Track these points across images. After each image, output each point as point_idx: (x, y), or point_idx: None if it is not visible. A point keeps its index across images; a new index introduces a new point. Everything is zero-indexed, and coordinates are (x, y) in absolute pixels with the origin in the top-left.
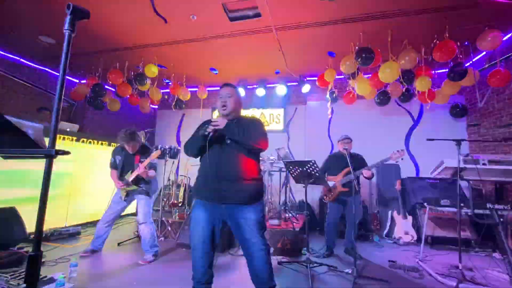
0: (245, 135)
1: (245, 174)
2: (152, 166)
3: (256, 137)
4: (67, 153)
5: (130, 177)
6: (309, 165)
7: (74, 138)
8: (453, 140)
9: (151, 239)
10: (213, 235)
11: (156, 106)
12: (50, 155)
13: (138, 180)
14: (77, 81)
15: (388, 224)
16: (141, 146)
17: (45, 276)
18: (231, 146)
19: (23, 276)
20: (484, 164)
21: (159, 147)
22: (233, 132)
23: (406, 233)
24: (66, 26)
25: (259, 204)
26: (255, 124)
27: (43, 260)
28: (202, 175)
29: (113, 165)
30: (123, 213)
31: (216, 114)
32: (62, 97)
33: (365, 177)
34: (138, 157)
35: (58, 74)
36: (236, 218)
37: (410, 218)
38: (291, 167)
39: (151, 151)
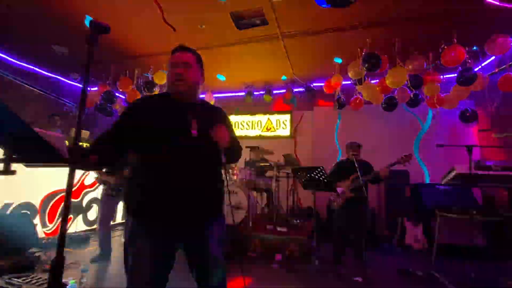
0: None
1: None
2: None
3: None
4: None
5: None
6: (317, 171)
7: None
8: (464, 146)
9: None
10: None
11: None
12: (73, 163)
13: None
14: (88, 88)
15: (398, 231)
16: None
17: None
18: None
19: (36, 280)
20: (497, 170)
21: None
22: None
23: (417, 241)
24: (88, 40)
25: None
26: (227, 119)
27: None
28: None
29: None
30: None
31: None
32: (84, 109)
33: (382, 177)
34: None
35: (70, 82)
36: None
37: (420, 225)
38: (299, 173)
39: None
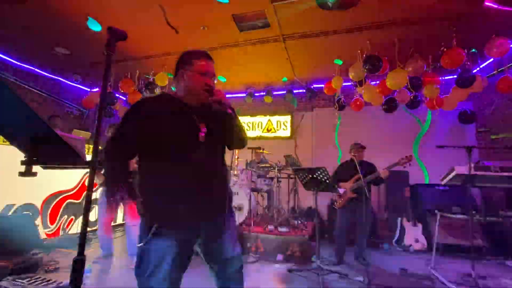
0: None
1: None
2: None
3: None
4: None
5: None
6: (319, 172)
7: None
8: (463, 147)
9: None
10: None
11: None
12: (94, 165)
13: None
14: (89, 89)
15: (398, 231)
16: None
17: (61, 282)
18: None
19: (40, 281)
20: (496, 171)
21: None
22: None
23: (417, 241)
24: (106, 48)
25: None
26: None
27: (57, 266)
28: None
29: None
30: None
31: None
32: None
33: (382, 178)
34: None
35: (71, 83)
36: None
37: (420, 225)
38: (301, 174)
39: None
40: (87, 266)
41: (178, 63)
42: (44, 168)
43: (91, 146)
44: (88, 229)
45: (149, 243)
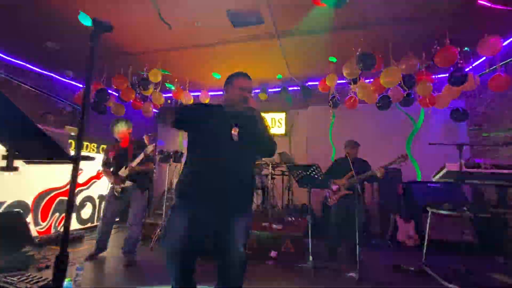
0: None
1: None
2: (149, 159)
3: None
4: (91, 158)
5: (124, 172)
6: (312, 169)
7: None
8: (455, 144)
9: (135, 242)
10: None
11: (158, 111)
12: (76, 160)
13: (133, 176)
14: (82, 86)
15: (391, 228)
16: (135, 140)
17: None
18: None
19: (31, 279)
20: (486, 168)
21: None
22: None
23: (409, 237)
24: (90, 40)
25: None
26: (262, 117)
27: (49, 264)
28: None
29: (105, 163)
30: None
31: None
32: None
33: (378, 177)
34: (131, 151)
35: (63, 79)
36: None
37: (412, 222)
38: (294, 171)
39: (144, 144)
40: (78, 264)
41: (225, 83)
42: (27, 163)
43: (87, 144)
44: (82, 226)
45: (170, 215)
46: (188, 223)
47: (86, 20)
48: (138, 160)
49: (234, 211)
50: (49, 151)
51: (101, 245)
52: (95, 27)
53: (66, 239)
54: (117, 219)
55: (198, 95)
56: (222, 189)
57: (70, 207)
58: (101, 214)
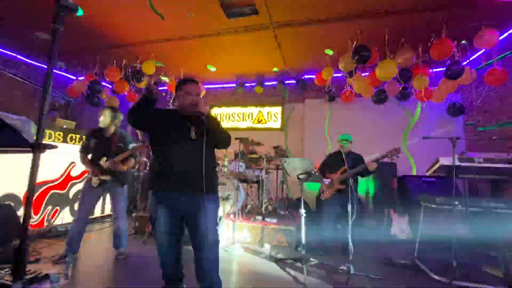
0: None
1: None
2: (132, 156)
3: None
4: (54, 147)
5: (105, 164)
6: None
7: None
8: (448, 138)
9: (124, 234)
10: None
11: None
12: (37, 148)
13: (114, 171)
14: (74, 78)
15: (385, 222)
16: (120, 132)
17: (41, 273)
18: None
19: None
20: (479, 162)
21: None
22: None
23: (403, 231)
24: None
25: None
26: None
27: (39, 257)
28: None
29: (85, 148)
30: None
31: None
32: (49, 90)
33: (370, 171)
34: (114, 143)
35: (55, 71)
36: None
37: (406, 216)
38: (287, 165)
39: (129, 140)
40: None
41: (175, 90)
42: None
43: (78, 136)
44: (68, 220)
45: (151, 199)
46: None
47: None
48: (122, 156)
49: (196, 195)
50: (7, 137)
51: (74, 245)
52: (58, 8)
53: (25, 232)
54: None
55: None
56: (184, 180)
57: (30, 196)
58: (78, 212)
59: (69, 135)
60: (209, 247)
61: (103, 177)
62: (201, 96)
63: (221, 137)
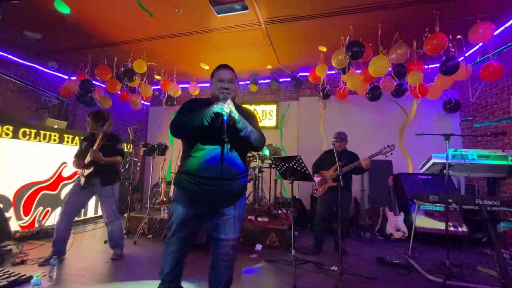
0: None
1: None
2: (119, 152)
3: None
4: None
5: (87, 159)
6: (294, 161)
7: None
8: (442, 134)
9: (121, 234)
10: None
11: (148, 103)
12: None
13: (100, 171)
14: (67, 77)
15: (380, 220)
16: (109, 133)
17: (24, 275)
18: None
19: (3, 274)
20: (473, 159)
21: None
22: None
23: (398, 230)
24: None
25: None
26: (256, 120)
27: (25, 258)
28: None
29: (78, 153)
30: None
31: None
32: None
33: (364, 168)
34: (102, 140)
35: (47, 70)
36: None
37: (402, 214)
38: (278, 163)
39: (118, 139)
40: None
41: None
42: None
43: (71, 136)
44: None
45: (171, 206)
46: (188, 211)
47: (62, 8)
48: (98, 143)
49: (229, 203)
50: None
51: (59, 247)
52: None
53: None
54: (76, 218)
55: (187, 87)
56: (217, 183)
57: None
58: (61, 210)
59: (65, 136)
60: (227, 257)
61: (87, 170)
62: (235, 85)
63: (254, 137)
